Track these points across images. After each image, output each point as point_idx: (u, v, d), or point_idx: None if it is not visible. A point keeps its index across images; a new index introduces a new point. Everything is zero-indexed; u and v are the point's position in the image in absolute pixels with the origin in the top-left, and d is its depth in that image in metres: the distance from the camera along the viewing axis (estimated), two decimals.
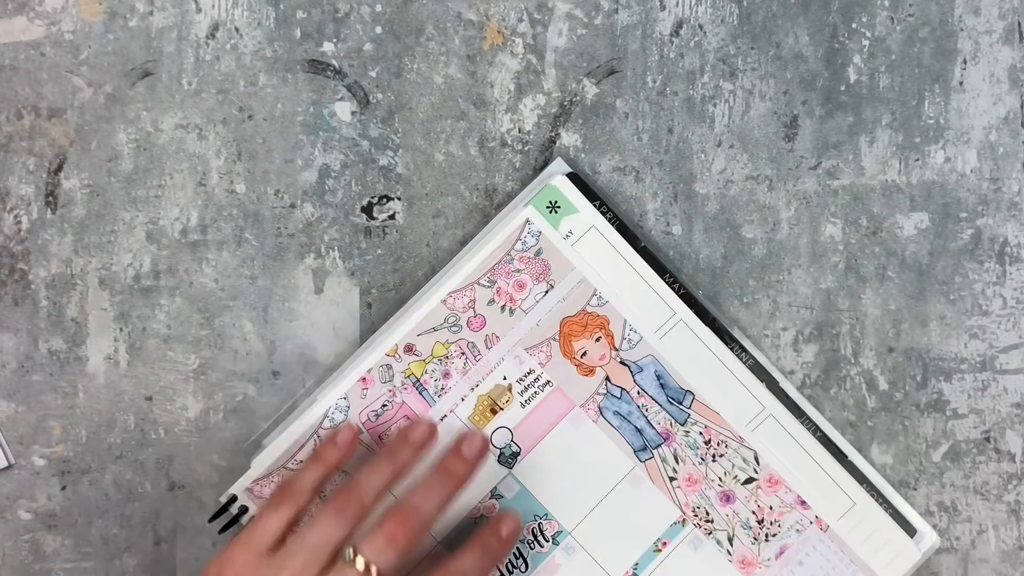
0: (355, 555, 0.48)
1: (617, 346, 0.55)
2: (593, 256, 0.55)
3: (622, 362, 0.55)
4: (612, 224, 0.55)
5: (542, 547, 0.55)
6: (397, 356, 0.55)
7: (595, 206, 0.55)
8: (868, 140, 0.57)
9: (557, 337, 0.55)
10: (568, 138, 0.57)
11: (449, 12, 0.57)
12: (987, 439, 0.57)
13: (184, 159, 0.58)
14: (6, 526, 0.57)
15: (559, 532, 0.55)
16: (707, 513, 0.55)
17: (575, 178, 0.56)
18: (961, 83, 0.57)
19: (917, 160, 0.57)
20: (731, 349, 0.55)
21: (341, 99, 0.58)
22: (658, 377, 0.55)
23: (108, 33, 0.58)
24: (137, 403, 0.57)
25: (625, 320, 0.55)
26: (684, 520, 0.55)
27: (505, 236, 0.55)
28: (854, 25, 0.57)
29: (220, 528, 0.56)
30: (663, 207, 0.57)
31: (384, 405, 0.55)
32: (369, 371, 0.55)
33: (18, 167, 0.58)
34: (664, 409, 0.55)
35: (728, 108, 0.57)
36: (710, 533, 0.55)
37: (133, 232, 0.58)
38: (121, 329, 0.57)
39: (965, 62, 0.57)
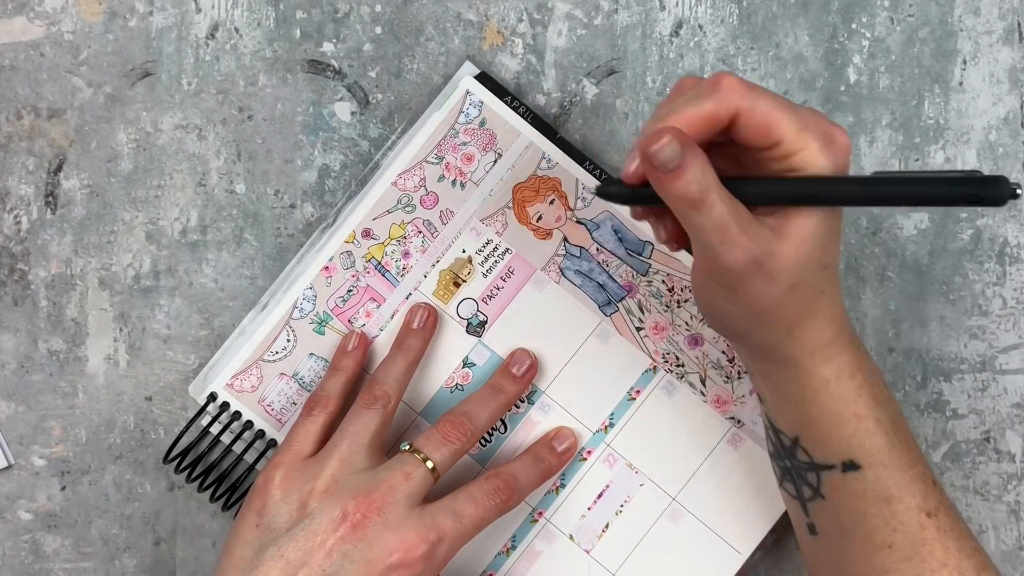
0: (412, 450, 0.50)
1: (572, 206, 0.56)
2: None
3: (578, 221, 0.56)
4: (526, 118, 0.56)
5: (518, 408, 0.56)
6: (356, 242, 0.56)
7: (506, 102, 0.56)
8: (868, 140, 0.57)
9: (511, 205, 0.56)
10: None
11: (449, 12, 0.57)
12: (987, 439, 0.57)
13: (184, 159, 0.58)
14: (6, 526, 0.57)
15: (533, 392, 0.56)
16: (677, 358, 0.56)
17: (484, 78, 0.56)
18: (961, 83, 0.57)
19: (917, 160, 0.57)
20: None
21: (341, 99, 0.58)
22: (616, 232, 0.55)
23: (108, 33, 0.58)
24: (137, 403, 0.57)
25: (577, 179, 0.55)
26: (655, 367, 0.56)
27: (447, 111, 0.56)
28: (854, 25, 0.57)
29: (224, 506, 0.57)
30: None
31: (350, 291, 0.56)
32: (331, 260, 0.56)
33: (18, 167, 0.58)
34: (624, 262, 0.56)
35: None
36: (682, 377, 0.56)
37: (133, 232, 0.58)
38: (121, 329, 0.57)
39: (965, 62, 0.57)
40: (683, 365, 0.55)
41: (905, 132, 0.57)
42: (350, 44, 0.58)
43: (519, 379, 0.54)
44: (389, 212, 0.56)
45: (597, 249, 0.55)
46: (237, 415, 0.55)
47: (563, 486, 0.55)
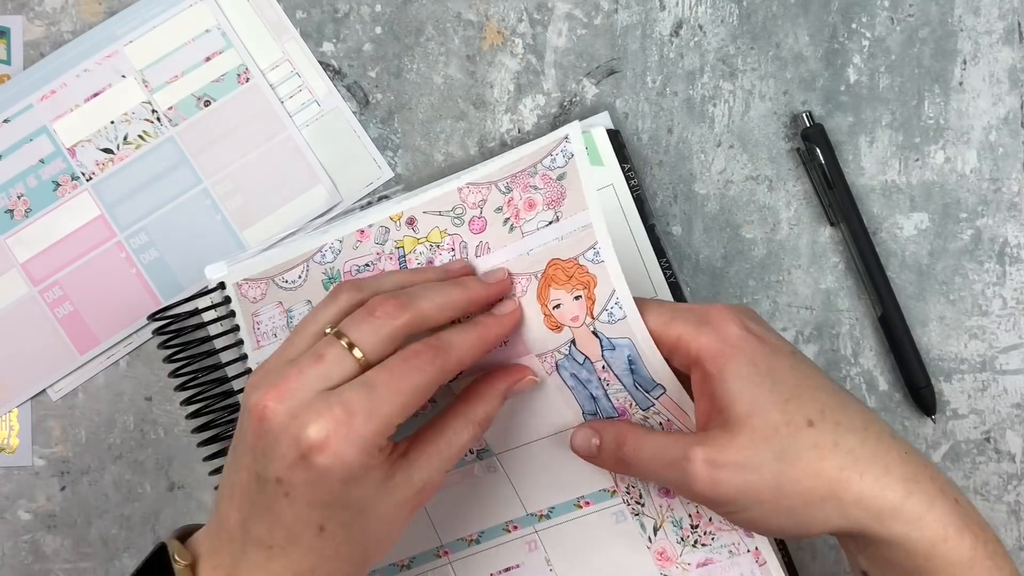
0: (334, 332, 0.44)
1: (595, 315, 0.47)
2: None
3: (594, 332, 0.48)
4: (632, 193, 0.55)
5: (465, 457, 0.52)
6: (398, 224, 0.52)
7: (623, 169, 0.55)
8: (868, 140, 0.57)
9: (539, 276, 0.48)
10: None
11: (449, 12, 0.57)
12: (987, 439, 0.57)
13: None
14: (6, 526, 0.57)
15: (484, 449, 0.52)
16: (640, 496, 0.51)
17: (614, 136, 0.55)
18: (961, 83, 0.57)
19: (917, 160, 0.57)
20: None
21: (341, 99, 0.58)
22: (630, 362, 0.48)
23: None
24: (137, 403, 0.57)
25: (614, 290, 0.47)
26: (615, 491, 0.51)
27: (539, 146, 0.49)
28: (854, 25, 0.57)
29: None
30: (663, 207, 0.57)
31: (368, 264, 0.52)
32: (369, 226, 0.52)
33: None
34: (628, 391, 0.49)
35: (728, 108, 0.57)
36: (637, 515, 0.51)
37: None
38: None
39: (965, 62, 0.57)
40: (644, 505, 0.51)
41: (905, 132, 0.57)
42: (350, 44, 0.58)
43: (488, 283, 0.47)
44: (440, 213, 0.51)
45: (603, 367, 0.48)
46: (232, 314, 0.55)
47: (478, 541, 0.54)
